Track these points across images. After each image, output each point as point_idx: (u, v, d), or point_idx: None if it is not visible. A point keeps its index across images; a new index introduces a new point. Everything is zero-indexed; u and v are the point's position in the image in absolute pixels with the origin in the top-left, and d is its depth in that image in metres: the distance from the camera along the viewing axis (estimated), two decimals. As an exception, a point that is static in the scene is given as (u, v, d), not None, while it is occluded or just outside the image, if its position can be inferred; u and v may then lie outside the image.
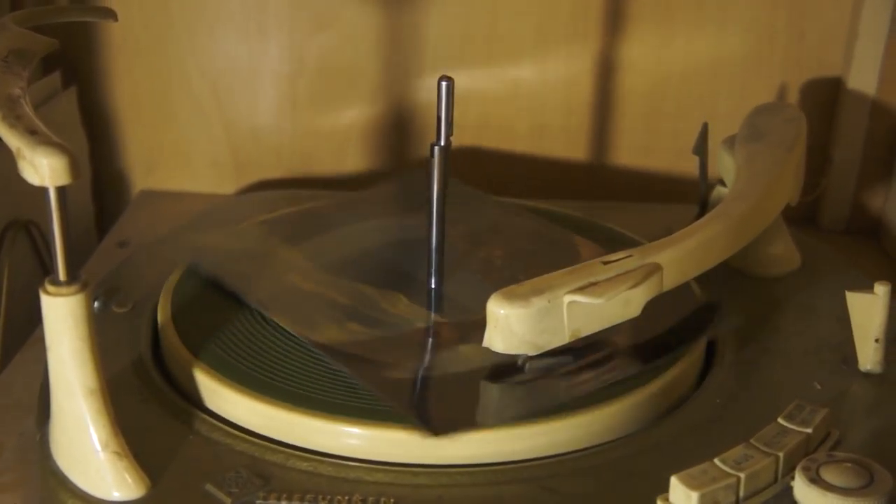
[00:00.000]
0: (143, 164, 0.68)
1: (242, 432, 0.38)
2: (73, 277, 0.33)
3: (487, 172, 0.66)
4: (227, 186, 0.68)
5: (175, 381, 0.41)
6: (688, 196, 0.58)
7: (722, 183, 0.53)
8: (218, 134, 0.67)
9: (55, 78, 0.63)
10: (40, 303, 0.33)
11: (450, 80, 0.43)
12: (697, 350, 0.43)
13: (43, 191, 0.32)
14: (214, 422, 0.38)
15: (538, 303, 0.38)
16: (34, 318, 0.37)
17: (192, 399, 0.40)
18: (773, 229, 0.49)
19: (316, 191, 0.64)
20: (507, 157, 0.67)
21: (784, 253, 0.52)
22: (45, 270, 0.59)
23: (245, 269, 0.47)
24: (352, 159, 0.67)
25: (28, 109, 0.35)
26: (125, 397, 0.38)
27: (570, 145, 0.66)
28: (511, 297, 0.38)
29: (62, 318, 0.33)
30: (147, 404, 0.39)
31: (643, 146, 0.66)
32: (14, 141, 0.32)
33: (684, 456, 0.36)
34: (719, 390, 0.41)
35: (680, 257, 0.41)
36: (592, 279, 0.39)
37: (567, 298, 0.38)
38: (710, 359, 0.44)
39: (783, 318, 0.47)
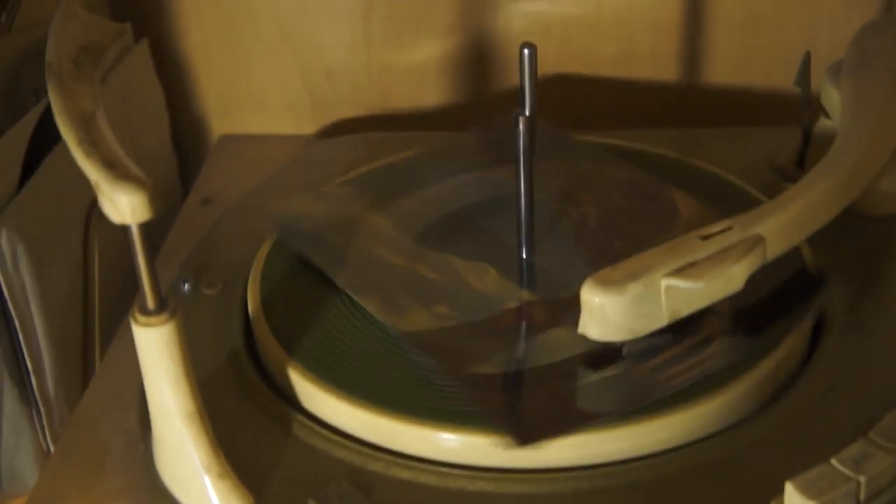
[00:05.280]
0: (219, 110, 0.67)
1: (340, 435, 0.38)
2: (161, 306, 0.33)
3: (571, 101, 0.63)
4: (306, 127, 0.66)
5: (270, 375, 0.41)
6: (787, 117, 0.54)
7: (825, 114, 0.50)
8: (292, 75, 0.65)
9: (126, 29, 0.61)
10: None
11: (532, 47, 0.40)
12: (805, 324, 0.40)
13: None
14: (313, 425, 0.38)
15: (634, 289, 0.36)
16: (127, 292, 0.35)
17: (288, 397, 0.40)
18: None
19: (396, 133, 0.62)
20: (592, 83, 0.64)
21: (896, 190, 0.49)
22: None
23: (333, 241, 0.46)
24: (431, 95, 0.65)
25: (103, 126, 0.34)
26: (222, 395, 0.38)
27: (660, 69, 0.63)
28: (605, 284, 0.36)
29: (155, 347, 0.33)
30: (244, 403, 0.39)
31: (738, 65, 0.62)
32: (92, 174, 0.31)
33: (795, 448, 0.34)
34: (829, 368, 0.39)
35: (784, 224, 0.39)
36: (691, 258, 0.37)
37: (664, 283, 0.36)
38: (817, 326, 0.42)
39: (897, 267, 0.44)
